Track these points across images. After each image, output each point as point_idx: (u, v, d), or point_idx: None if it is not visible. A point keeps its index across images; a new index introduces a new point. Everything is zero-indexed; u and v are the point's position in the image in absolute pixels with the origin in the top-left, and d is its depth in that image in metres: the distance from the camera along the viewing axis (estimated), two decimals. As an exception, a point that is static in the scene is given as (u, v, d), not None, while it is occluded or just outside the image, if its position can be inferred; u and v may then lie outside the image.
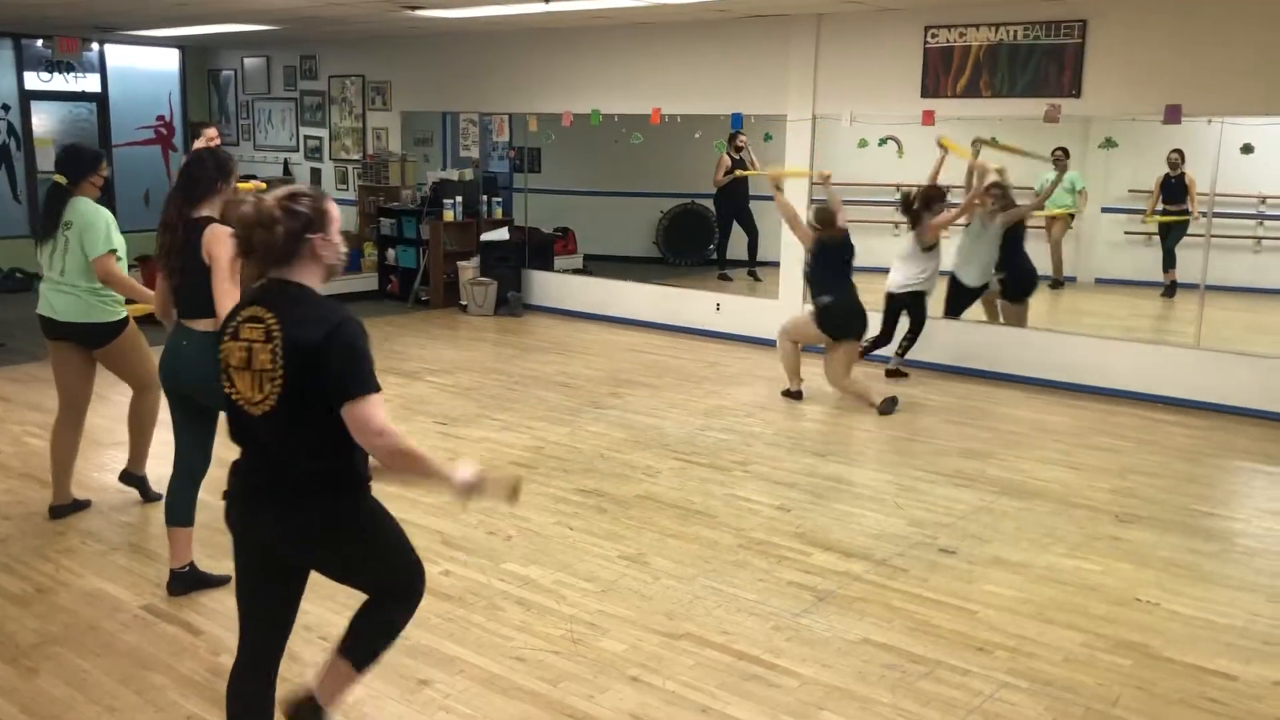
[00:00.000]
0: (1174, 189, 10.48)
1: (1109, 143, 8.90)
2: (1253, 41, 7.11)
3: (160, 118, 13.66)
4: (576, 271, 11.92)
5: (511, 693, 3.52)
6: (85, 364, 5.02)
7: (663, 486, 5.63)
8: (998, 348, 8.17)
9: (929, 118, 8.38)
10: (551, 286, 11.11)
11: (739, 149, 11.28)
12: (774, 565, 4.62)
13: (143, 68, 13.39)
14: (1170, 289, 10.49)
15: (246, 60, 13.70)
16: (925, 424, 6.96)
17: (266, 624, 2.87)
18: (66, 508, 5.08)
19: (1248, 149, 7.94)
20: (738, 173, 11.12)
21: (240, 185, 9.04)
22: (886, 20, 8.53)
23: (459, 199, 11.24)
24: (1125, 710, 3.49)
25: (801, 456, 6.24)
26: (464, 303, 11.01)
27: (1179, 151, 10.27)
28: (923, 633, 4.02)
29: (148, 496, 5.25)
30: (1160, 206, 10.58)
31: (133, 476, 5.30)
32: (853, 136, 9.09)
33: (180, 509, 4.26)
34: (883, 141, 9.36)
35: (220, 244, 3.92)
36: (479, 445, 6.31)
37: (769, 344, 9.27)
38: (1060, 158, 9.99)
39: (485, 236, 11.11)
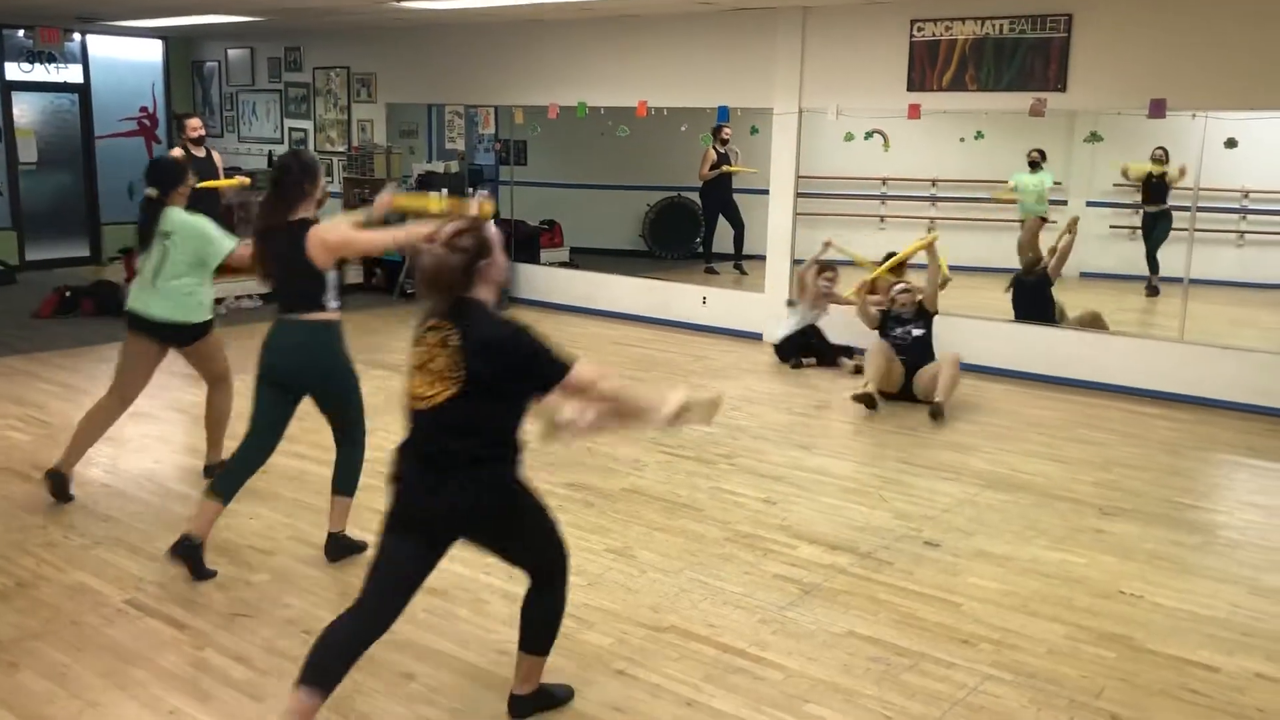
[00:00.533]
0: (1157, 188, 10.41)
1: (1094, 137, 8.93)
2: (1237, 36, 7.14)
3: (143, 109, 13.56)
4: (563, 264, 11.90)
5: (496, 686, 3.51)
6: (155, 360, 5.28)
7: (649, 480, 5.62)
8: (982, 341, 8.19)
9: (915, 111, 8.39)
10: (537, 279, 11.09)
11: (724, 142, 11.27)
12: (759, 558, 4.63)
13: (125, 59, 13.29)
14: (1154, 289, 10.49)
15: (230, 52, 13.62)
16: (910, 417, 6.97)
17: (395, 593, 3.16)
18: (62, 479, 5.17)
19: (1231, 143, 7.97)
20: (724, 168, 11.12)
21: (225, 182, 8.94)
22: (872, 13, 8.53)
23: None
24: (1108, 702, 3.50)
25: (787, 450, 6.25)
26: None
27: (1163, 149, 10.16)
28: (907, 625, 4.03)
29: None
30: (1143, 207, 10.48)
31: (215, 468, 5.41)
32: (839, 130, 9.10)
33: (230, 482, 4.44)
34: (869, 135, 9.38)
35: (321, 246, 4.25)
36: (464, 438, 6.30)
37: (755, 337, 9.29)
38: (1037, 159, 9.95)
39: (471, 229, 11.05)
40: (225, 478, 4.45)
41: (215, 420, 5.61)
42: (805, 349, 8.32)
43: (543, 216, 12.31)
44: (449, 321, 3.02)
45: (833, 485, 5.65)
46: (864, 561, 4.62)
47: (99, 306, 10.02)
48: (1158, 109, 7.42)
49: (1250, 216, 10.97)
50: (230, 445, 4.93)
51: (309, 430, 6.39)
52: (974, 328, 8.26)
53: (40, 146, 12.50)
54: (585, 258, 12.04)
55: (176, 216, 5.01)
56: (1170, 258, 10.17)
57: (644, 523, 5.01)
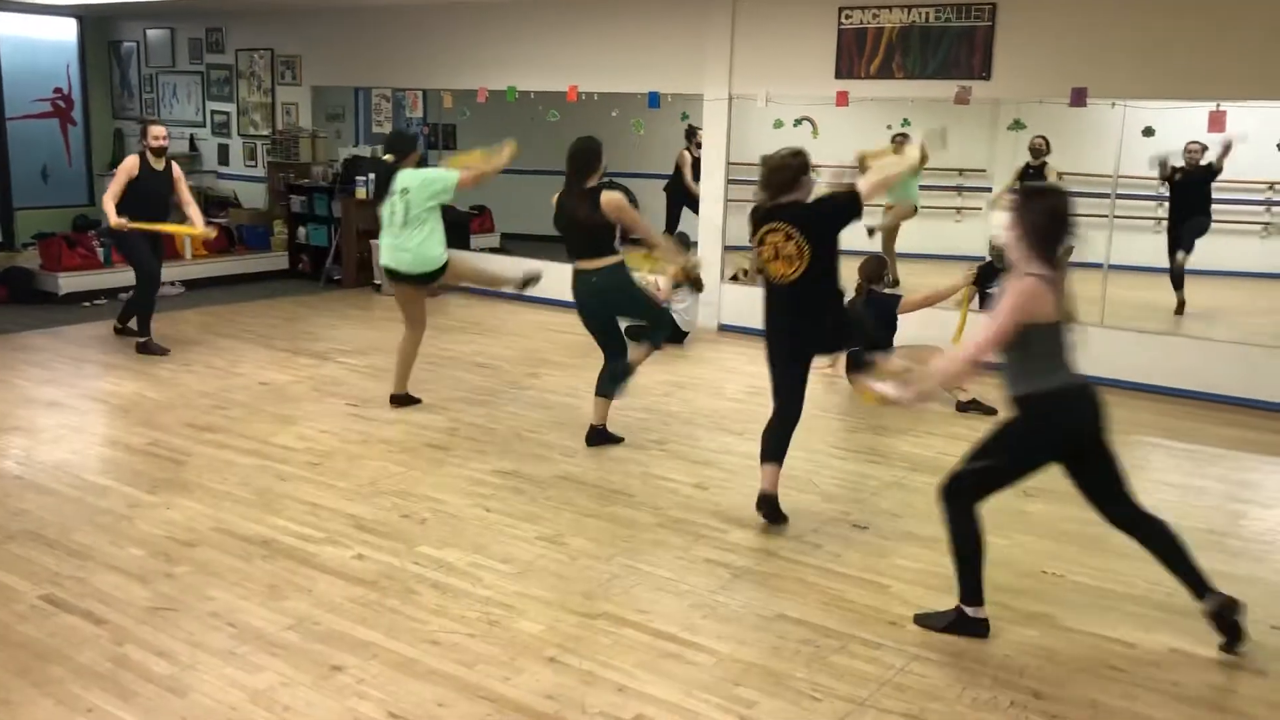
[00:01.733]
0: (1034, 179, 9.86)
1: (1017, 124, 9.07)
2: (1154, 27, 7.31)
3: (57, 90, 13.13)
4: (494, 250, 11.80)
5: (426, 676, 3.48)
6: (419, 295, 6.69)
7: (581, 467, 5.61)
8: (906, 328, 8.29)
9: (843, 99, 8.46)
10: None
11: (700, 145, 10.73)
12: (691, 543, 4.64)
13: (38, 38, 12.84)
14: None
15: (149, 32, 13.26)
16: (839, 402, 7.04)
17: (791, 393, 4.88)
18: (403, 398, 6.67)
19: (1149, 132, 8.15)
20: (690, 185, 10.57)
21: (187, 230, 8.49)
22: (801, 0, 8.57)
23: (372, 176, 11.04)
24: (1031, 680, 3.58)
25: (719, 435, 6.27)
26: (377, 282, 10.82)
27: (1043, 138, 9.69)
28: (836, 607, 4.07)
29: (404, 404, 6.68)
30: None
31: (405, 398, 6.68)
32: (769, 117, 9.14)
33: (609, 384, 6.00)
34: (798, 122, 9.42)
35: (621, 205, 5.71)
36: (393, 427, 6.23)
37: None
38: (902, 143, 9.75)
39: (399, 215, 10.92)
40: (609, 382, 5.98)
41: (407, 358, 6.71)
42: None
43: (473, 202, 12.19)
44: (783, 221, 4.60)
45: (763, 470, 5.69)
46: (794, 545, 4.66)
47: (12, 294, 9.72)
48: (1079, 97, 7.56)
49: (1165, 203, 11.24)
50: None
51: (234, 420, 6.29)
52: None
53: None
54: (517, 243, 11.95)
55: (406, 174, 6.36)
56: (1090, 243, 10.37)
57: (576, 509, 5.00)
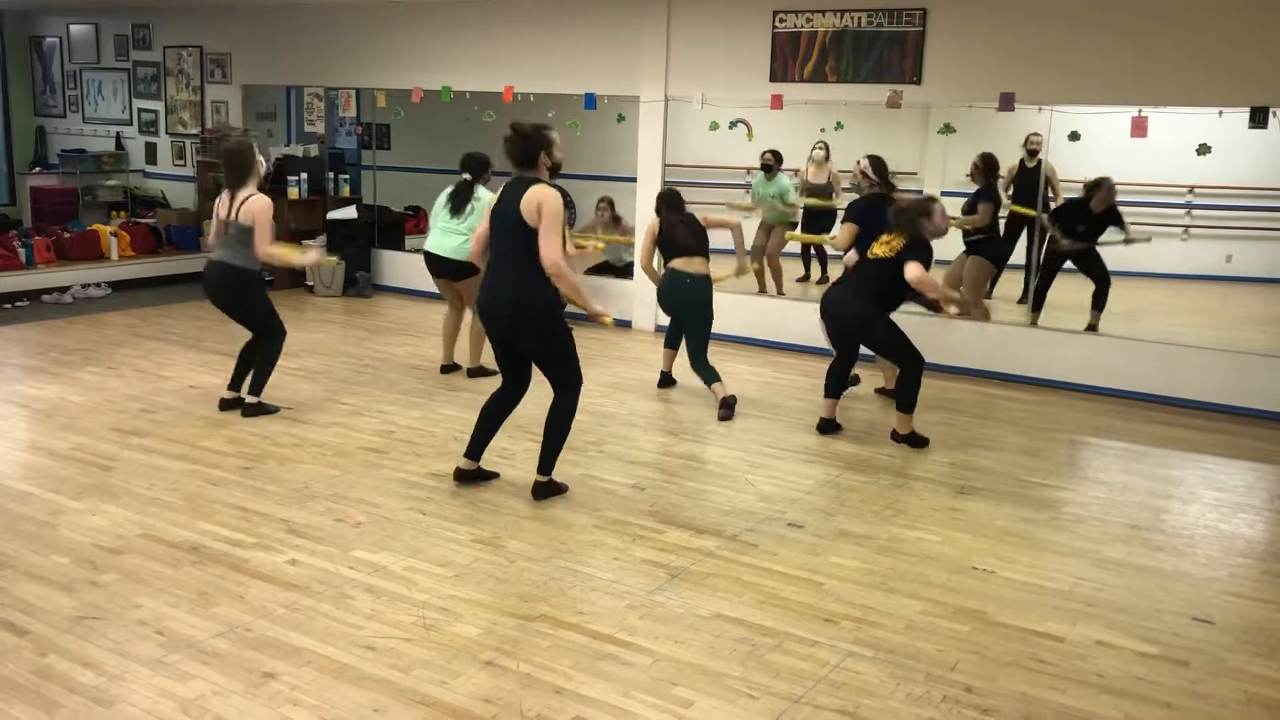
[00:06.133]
0: (1032, 177, 9.99)
1: (947, 129, 9.21)
2: (1080, 35, 7.48)
3: (-24, 86, 12.79)
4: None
5: (362, 682, 3.44)
6: (449, 286, 7.54)
7: (518, 469, 5.59)
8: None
9: (777, 102, 8.53)
10: (402, 267, 10.89)
11: None
12: (628, 544, 4.65)
13: (-46, 32, 12.51)
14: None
15: (73, 27, 12.95)
16: (774, 402, 7.10)
17: (842, 351, 6.43)
18: (450, 367, 7.64)
19: (1075, 136, 8.33)
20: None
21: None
22: (735, 3, 8.63)
23: (304, 176, 10.90)
24: (962, 674, 3.64)
25: (655, 435, 6.29)
26: (310, 283, 10.70)
27: (1039, 135, 9.19)
28: (772, 606, 4.10)
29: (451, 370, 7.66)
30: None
31: (452, 366, 7.66)
32: (704, 119, 9.18)
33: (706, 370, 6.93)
34: (733, 124, 9.48)
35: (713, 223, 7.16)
36: (327, 430, 6.15)
37: (624, 324, 9.31)
38: (770, 163, 9.93)
39: (332, 215, 10.81)
40: (700, 367, 6.93)
41: (460, 332, 7.67)
42: None
43: (407, 202, 12.09)
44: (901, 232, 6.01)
45: (699, 470, 5.72)
46: (730, 544, 4.69)
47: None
48: (1007, 102, 7.71)
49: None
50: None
51: (162, 424, 6.16)
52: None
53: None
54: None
55: (486, 192, 7.17)
56: (1023, 246, 10.58)
57: (512, 512, 4.98)
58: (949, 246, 7.99)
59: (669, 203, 7.09)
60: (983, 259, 8.29)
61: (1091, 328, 8.15)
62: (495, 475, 5.40)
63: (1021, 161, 9.63)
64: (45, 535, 4.54)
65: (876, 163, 6.97)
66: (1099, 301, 8.25)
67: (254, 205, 6.12)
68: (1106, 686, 3.59)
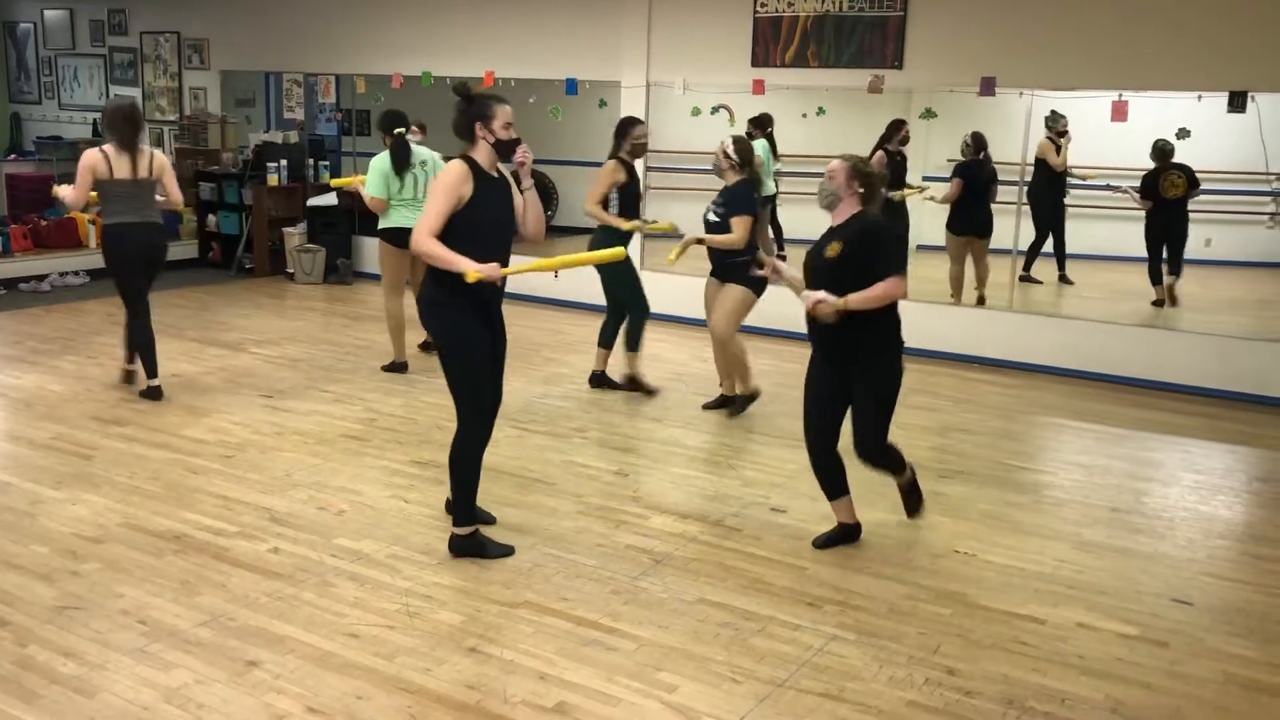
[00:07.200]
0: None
1: (929, 113, 9.21)
2: (1060, 19, 7.49)
3: (-50, 72, 12.64)
4: (409, 238, 11.61)
5: (345, 670, 3.44)
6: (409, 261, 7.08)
7: (500, 456, 5.58)
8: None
9: (759, 87, 8.51)
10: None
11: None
12: (612, 530, 4.65)
13: (-73, 17, 12.36)
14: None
15: (46, 12, 12.81)
16: (757, 387, 7.10)
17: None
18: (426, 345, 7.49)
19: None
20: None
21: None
22: (718, -12, 8.61)
23: (284, 162, 10.82)
24: (944, 657, 3.66)
25: (639, 422, 6.29)
26: (290, 271, 10.64)
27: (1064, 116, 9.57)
28: (756, 590, 4.12)
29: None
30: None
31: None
32: (686, 104, 9.16)
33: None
34: (715, 110, 9.46)
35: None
36: (308, 418, 6.12)
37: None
38: (752, 132, 9.59)
39: (312, 202, 10.74)
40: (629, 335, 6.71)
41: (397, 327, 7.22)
42: None
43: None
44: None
45: (683, 455, 5.73)
46: (714, 529, 4.70)
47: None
48: (988, 87, 7.72)
49: (1073, 191, 11.54)
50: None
51: (143, 413, 6.13)
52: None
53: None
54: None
55: (424, 150, 7.17)
56: (1001, 230, 10.63)
57: (496, 499, 4.97)
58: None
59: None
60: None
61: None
62: (492, 520, 4.72)
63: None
64: (25, 525, 4.51)
65: (740, 143, 6.28)
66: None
67: (162, 158, 6.35)
68: (1087, 668, 3.62)
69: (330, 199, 10.72)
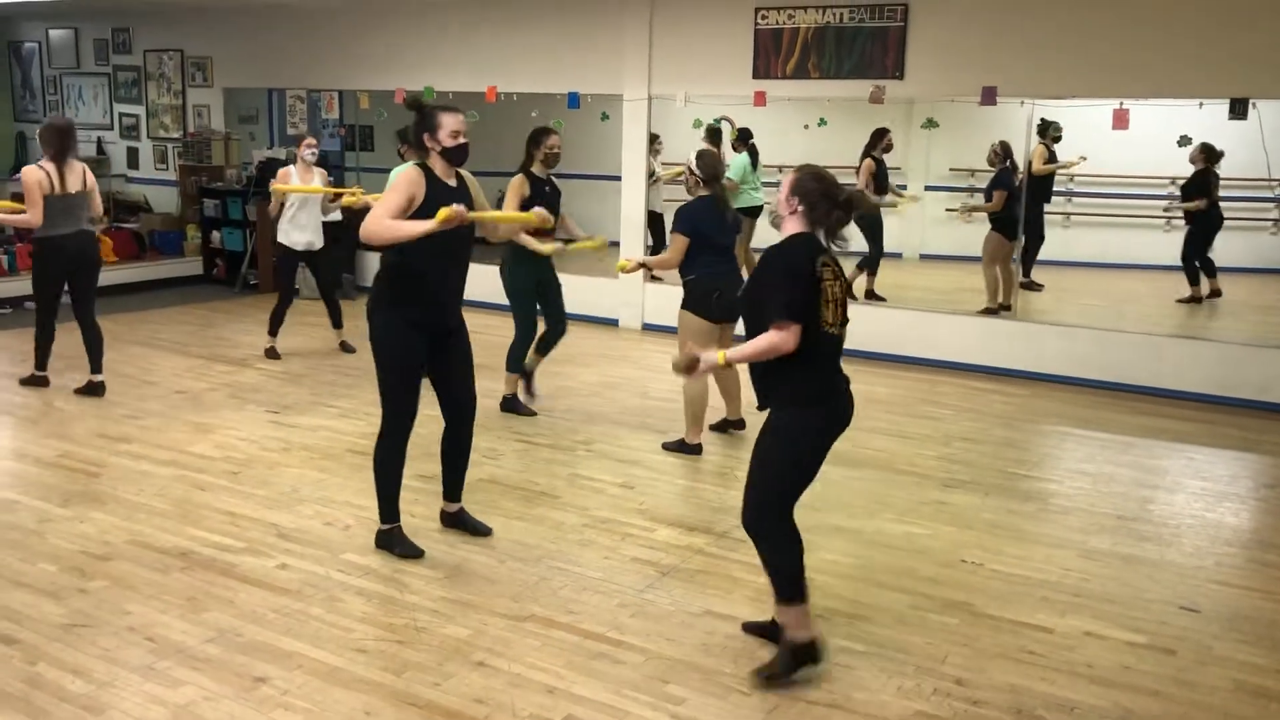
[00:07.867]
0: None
1: (930, 123, 9.25)
2: (1060, 28, 7.51)
3: (-45, 92, 12.71)
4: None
5: (354, 685, 3.44)
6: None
7: (506, 469, 5.59)
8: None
9: (761, 99, 8.55)
10: (388, 268, 10.84)
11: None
12: (618, 543, 4.66)
13: (-67, 38, 12.42)
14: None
15: (52, 32, 12.88)
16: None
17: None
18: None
19: (1056, 128, 8.38)
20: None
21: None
22: (718, 1, 8.64)
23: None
24: (952, 667, 3.66)
25: (644, 434, 6.29)
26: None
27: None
28: (763, 602, 4.10)
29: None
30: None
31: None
32: (687, 117, 9.19)
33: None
34: (717, 122, 9.49)
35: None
36: (315, 434, 6.13)
37: (610, 323, 9.32)
38: (735, 145, 9.50)
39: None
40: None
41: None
42: None
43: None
44: (829, 256, 3.51)
45: (688, 467, 5.73)
46: (720, 541, 4.70)
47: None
48: (989, 96, 7.74)
49: (1075, 199, 11.56)
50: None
51: (149, 430, 6.14)
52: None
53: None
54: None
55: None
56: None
57: (502, 512, 4.98)
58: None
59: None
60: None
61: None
62: (487, 531, 4.74)
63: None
64: (32, 543, 4.52)
65: (705, 158, 5.81)
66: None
67: (90, 172, 6.70)
68: (1095, 676, 3.61)
69: (334, 214, 10.73)
